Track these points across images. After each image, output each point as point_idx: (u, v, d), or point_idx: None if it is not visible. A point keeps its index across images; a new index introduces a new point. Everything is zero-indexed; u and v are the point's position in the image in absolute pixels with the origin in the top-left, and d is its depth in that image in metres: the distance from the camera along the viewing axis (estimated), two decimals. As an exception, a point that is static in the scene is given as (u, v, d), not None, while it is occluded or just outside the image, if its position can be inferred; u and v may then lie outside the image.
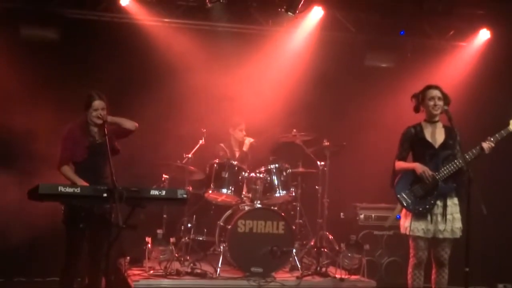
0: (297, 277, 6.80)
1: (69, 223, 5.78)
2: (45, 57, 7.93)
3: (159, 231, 6.94)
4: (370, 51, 9.13)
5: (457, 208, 6.04)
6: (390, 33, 8.93)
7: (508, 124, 5.91)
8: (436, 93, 6.02)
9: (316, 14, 8.47)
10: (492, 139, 5.86)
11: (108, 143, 5.65)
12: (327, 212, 7.70)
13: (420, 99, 6.09)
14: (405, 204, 6.01)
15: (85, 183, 5.68)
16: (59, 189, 5.24)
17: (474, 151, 5.89)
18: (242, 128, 8.07)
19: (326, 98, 8.81)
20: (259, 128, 8.18)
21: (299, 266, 7.05)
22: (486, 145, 5.82)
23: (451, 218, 5.98)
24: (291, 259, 7.05)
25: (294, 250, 7.01)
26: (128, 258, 7.15)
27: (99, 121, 5.83)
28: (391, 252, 8.45)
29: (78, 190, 5.33)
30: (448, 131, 6.08)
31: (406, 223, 6.03)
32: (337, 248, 7.34)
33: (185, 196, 5.62)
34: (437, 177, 5.92)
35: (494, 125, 6.14)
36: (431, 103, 6.01)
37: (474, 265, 5.46)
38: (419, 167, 5.97)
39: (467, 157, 5.85)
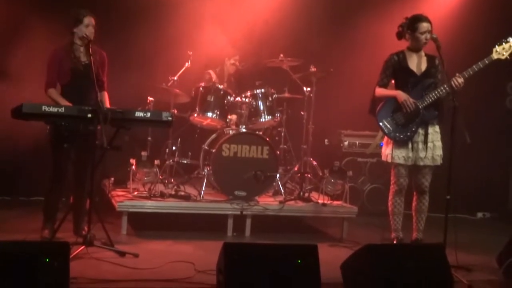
0: (280, 202, 6.86)
1: (53, 144, 5.79)
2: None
3: (144, 153, 6.92)
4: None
5: (438, 136, 6.10)
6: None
7: (491, 53, 5.86)
8: (428, 26, 5.95)
9: None
10: (464, 73, 5.80)
11: (93, 65, 5.61)
12: (311, 139, 7.71)
13: (409, 29, 6.03)
14: (386, 132, 6.07)
15: (70, 104, 5.63)
16: (43, 108, 5.25)
17: (445, 86, 5.86)
18: (237, 59, 7.99)
19: (314, 24, 8.71)
20: (245, 52, 8.08)
21: (282, 191, 7.11)
22: (454, 82, 5.75)
23: (432, 146, 6.05)
24: (274, 184, 7.10)
25: (277, 175, 7.05)
26: (112, 179, 7.19)
27: (91, 37, 5.76)
28: (373, 179, 8.56)
29: (62, 110, 5.34)
30: (431, 59, 6.08)
31: (387, 151, 6.11)
32: (321, 174, 7.39)
33: (170, 118, 5.63)
34: (419, 105, 5.93)
35: (479, 54, 6.10)
36: (422, 37, 5.96)
37: (455, 194, 5.53)
38: (401, 95, 5.99)
39: (439, 92, 5.85)
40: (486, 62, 5.82)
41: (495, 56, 5.83)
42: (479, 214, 9.13)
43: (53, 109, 5.28)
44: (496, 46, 5.84)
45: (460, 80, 5.76)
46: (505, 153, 9.06)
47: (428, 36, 5.94)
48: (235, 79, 8.06)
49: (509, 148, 9.02)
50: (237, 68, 8.05)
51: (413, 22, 6.02)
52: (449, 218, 5.47)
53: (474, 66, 5.82)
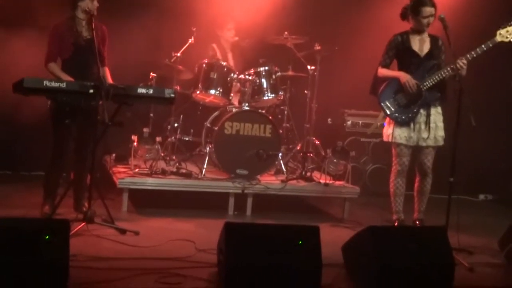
0: (282, 181, 6.82)
1: (55, 119, 5.75)
2: None
3: (146, 130, 6.89)
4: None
5: (441, 117, 6.08)
6: None
7: (494, 35, 5.80)
8: (430, 11, 5.90)
9: None
10: (468, 56, 5.74)
11: (95, 40, 5.55)
12: (314, 117, 7.66)
13: (413, 13, 5.97)
14: (388, 112, 6.05)
15: (71, 79, 5.58)
16: (44, 83, 5.21)
17: (448, 68, 5.82)
18: (231, 27, 7.90)
19: (319, 1, 8.59)
20: (249, 29, 7.99)
21: (284, 170, 7.06)
22: (457, 64, 5.68)
23: (434, 127, 6.03)
24: (276, 162, 7.06)
25: (280, 154, 7.01)
26: (114, 155, 7.16)
27: (95, 11, 5.71)
28: (376, 159, 8.52)
29: (63, 85, 5.29)
30: (434, 40, 6.06)
31: (389, 131, 6.09)
32: (323, 153, 7.35)
33: (172, 95, 5.58)
34: (421, 87, 5.89)
35: (485, 34, 6.03)
36: (425, 21, 5.94)
37: (458, 175, 5.49)
38: (403, 76, 5.96)
39: (442, 74, 5.80)
40: (490, 44, 5.76)
41: (499, 38, 5.77)
42: (481, 196, 9.09)
43: (54, 84, 5.23)
44: (500, 29, 5.76)
45: (464, 62, 5.71)
46: (509, 135, 9.00)
47: (431, 19, 5.91)
48: (238, 53, 7.99)
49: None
50: (239, 44, 7.98)
51: (417, 5, 5.97)
52: (451, 200, 5.44)
53: (477, 49, 5.76)
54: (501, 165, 8.96)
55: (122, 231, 5.42)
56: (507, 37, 5.76)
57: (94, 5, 5.78)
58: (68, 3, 5.85)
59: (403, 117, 5.99)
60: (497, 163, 9.01)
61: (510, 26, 5.76)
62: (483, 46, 5.76)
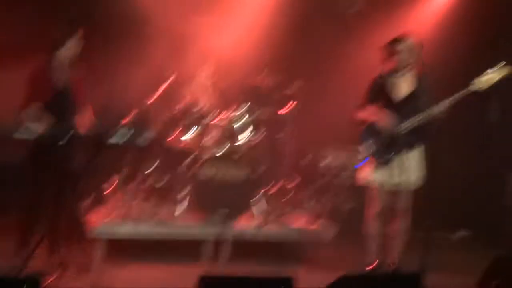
0: (258, 226, 6.79)
1: (29, 167, 5.67)
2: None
3: (120, 176, 6.85)
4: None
5: (417, 159, 6.11)
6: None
7: (472, 84, 5.87)
8: (405, 45, 5.97)
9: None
10: (445, 101, 5.83)
11: (73, 84, 5.54)
12: (292, 157, 7.67)
13: (389, 51, 6.04)
14: (365, 155, 6.06)
15: (47, 126, 5.53)
16: (19, 133, 5.15)
17: (427, 112, 5.88)
18: (208, 69, 7.91)
19: (295, 38, 8.64)
20: (226, 70, 8.02)
21: (260, 213, 7.03)
22: (435, 110, 5.79)
23: (410, 169, 6.04)
24: (253, 206, 7.03)
25: (256, 198, 6.99)
26: (88, 201, 7.08)
27: (74, 58, 5.73)
28: (353, 198, 8.49)
29: (39, 133, 5.23)
30: (413, 83, 6.07)
31: (365, 173, 6.10)
32: (300, 195, 7.34)
33: (146, 143, 5.56)
34: (399, 130, 5.93)
35: (464, 74, 6.11)
36: (401, 56, 5.98)
37: (436, 212, 5.50)
38: (381, 119, 5.97)
39: (421, 118, 5.86)
40: (469, 91, 5.85)
41: (476, 87, 5.85)
42: (458, 233, 9.09)
43: (30, 134, 5.19)
44: (476, 78, 5.86)
45: (441, 108, 5.80)
46: (484, 169, 9.08)
47: (408, 55, 5.96)
48: (215, 94, 8.00)
49: (488, 163, 9.05)
50: (216, 85, 7.98)
51: (392, 44, 6.04)
52: (427, 238, 5.43)
53: (456, 95, 5.84)
54: (476, 200, 9.00)
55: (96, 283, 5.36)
56: (484, 85, 5.84)
57: (74, 50, 5.76)
58: (46, 48, 5.82)
59: (380, 160, 6.03)
60: (473, 199, 9.04)
61: (486, 75, 5.85)
62: (462, 92, 5.84)
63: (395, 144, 5.99)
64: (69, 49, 5.74)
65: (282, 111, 7.62)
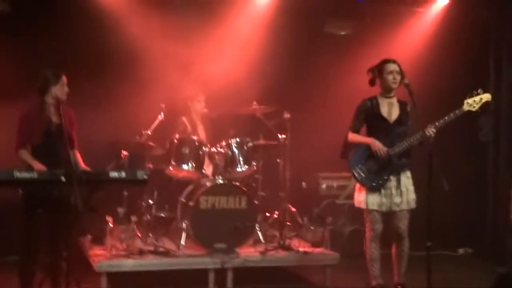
0: (261, 252, 6.78)
1: (26, 208, 5.67)
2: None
3: (120, 210, 6.85)
4: (329, 18, 9.08)
5: (410, 181, 6.14)
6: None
7: (462, 104, 5.90)
8: (394, 67, 6.02)
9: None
10: (436, 124, 5.82)
11: (64, 125, 5.53)
12: (289, 184, 7.68)
13: (377, 73, 6.08)
14: (359, 179, 6.08)
15: (42, 167, 5.54)
16: (15, 174, 5.11)
17: (417, 136, 5.88)
18: (201, 100, 7.95)
19: (286, 68, 8.69)
20: (218, 101, 8.06)
21: (262, 240, 7.03)
22: (426, 132, 5.77)
23: (405, 191, 6.07)
24: (254, 233, 7.02)
25: (257, 225, 6.99)
26: (89, 237, 7.06)
27: (64, 97, 5.74)
28: (353, 221, 8.47)
29: (35, 175, 5.20)
30: (402, 106, 6.12)
31: (360, 197, 6.11)
32: (300, 221, 7.34)
33: (145, 177, 5.53)
34: (391, 153, 5.94)
35: (451, 96, 6.15)
36: (390, 77, 6.01)
37: (435, 232, 5.47)
38: (373, 143, 6.00)
39: (411, 141, 5.87)
40: (458, 114, 5.86)
41: (466, 107, 5.88)
42: (461, 250, 9.09)
43: (25, 175, 5.13)
44: (468, 98, 5.88)
45: (432, 131, 5.78)
46: (481, 187, 9.11)
47: (397, 76, 5.99)
48: (209, 125, 8.03)
49: (484, 181, 9.09)
50: (209, 116, 8.02)
51: (380, 65, 6.09)
52: (430, 256, 5.41)
53: (446, 117, 5.84)
54: (475, 216, 9.02)
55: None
56: (474, 106, 5.88)
57: (64, 90, 5.79)
58: (37, 88, 5.83)
59: (374, 184, 6.01)
60: (471, 215, 9.07)
61: (476, 95, 5.88)
62: (451, 115, 5.84)
63: (389, 167, 5.99)
64: (60, 87, 5.76)
65: (277, 139, 7.59)
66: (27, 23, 7.78)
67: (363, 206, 6.06)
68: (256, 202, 7.13)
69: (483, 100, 5.89)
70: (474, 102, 5.87)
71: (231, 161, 7.19)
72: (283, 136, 7.57)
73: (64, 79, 5.81)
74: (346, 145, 6.25)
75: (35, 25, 7.79)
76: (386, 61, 6.07)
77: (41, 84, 5.81)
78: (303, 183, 8.84)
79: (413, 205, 6.08)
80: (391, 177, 6.01)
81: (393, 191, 6.01)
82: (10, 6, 7.80)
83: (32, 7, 7.78)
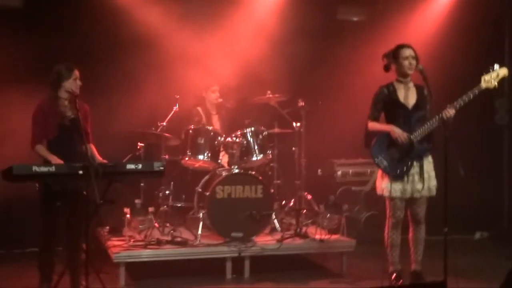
0: (278, 240, 6.81)
1: (44, 202, 5.72)
2: (7, 25, 7.73)
3: (137, 201, 6.90)
4: (342, 5, 9.06)
5: (432, 166, 6.10)
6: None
7: (479, 81, 5.80)
8: (410, 52, 5.97)
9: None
10: (455, 104, 5.76)
11: (81, 119, 5.57)
12: (304, 172, 7.70)
13: (393, 58, 6.04)
14: (382, 168, 6.03)
15: (59, 161, 5.60)
16: (33, 169, 5.16)
17: (436, 118, 5.81)
18: (215, 90, 7.96)
19: (299, 56, 8.66)
20: (233, 90, 8.08)
21: (279, 228, 7.07)
22: (446, 114, 5.71)
23: (427, 177, 6.03)
24: (270, 222, 7.06)
25: (273, 213, 7.02)
26: (107, 228, 7.13)
27: (78, 91, 5.76)
28: (369, 207, 8.50)
29: (52, 168, 5.25)
30: (420, 90, 6.05)
31: (383, 185, 6.06)
32: (316, 208, 7.36)
33: (161, 168, 5.57)
34: (412, 139, 5.91)
35: (466, 80, 6.11)
36: (406, 62, 5.96)
37: (452, 216, 5.44)
38: (394, 130, 5.95)
39: (431, 125, 5.83)
40: (476, 92, 5.75)
41: (484, 85, 5.75)
42: (477, 234, 9.09)
43: (43, 169, 5.19)
44: (484, 75, 5.77)
45: (452, 111, 5.73)
46: (497, 170, 9.09)
47: (413, 62, 5.94)
48: (224, 115, 8.06)
49: (501, 164, 9.07)
50: (224, 106, 8.04)
51: (395, 50, 6.03)
52: (447, 240, 5.39)
53: (464, 97, 5.75)
54: (492, 200, 9.00)
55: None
56: (491, 82, 5.75)
57: (77, 84, 5.83)
58: (50, 83, 5.85)
59: (398, 171, 5.96)
60: (488, 199, 9.05)
61: (493, 71, 5.76)
62: (470, 93, 5.75)
63: (411, 153, 5.96)
64: (74, 81, 5.79)
65: (292, 127, 7.61)
66: (40, 18, 7.83)
67: (386, 193, 6.01)
68: (272, 190, 7.17)
69: (500, 76, 5.77)
70: (491, 78, 5.75)
71: (246, 150, 7.22)
72: (298, 124, 7.59)
73: (76, 73, 5.83)
74: (367, 134, 6.22)
75: (47, 20, 7.83)
76: (402, 46, 6.02)
77: (54, 79, 5.83)
78: (319, 171, 8.86)
79: (433, 192, 6.04)
80: (414, 163, 5.98)
81: (416, 177, 5.98)
82: (22, 1, 7.83)
83: (44, 1, 7.83)
